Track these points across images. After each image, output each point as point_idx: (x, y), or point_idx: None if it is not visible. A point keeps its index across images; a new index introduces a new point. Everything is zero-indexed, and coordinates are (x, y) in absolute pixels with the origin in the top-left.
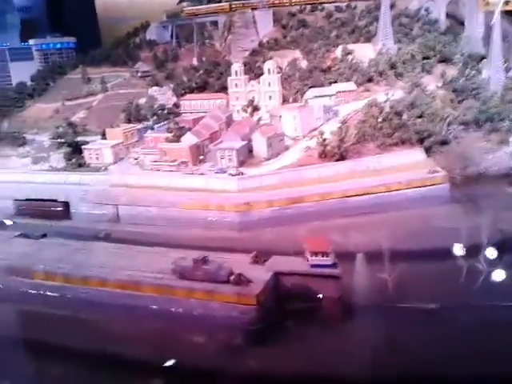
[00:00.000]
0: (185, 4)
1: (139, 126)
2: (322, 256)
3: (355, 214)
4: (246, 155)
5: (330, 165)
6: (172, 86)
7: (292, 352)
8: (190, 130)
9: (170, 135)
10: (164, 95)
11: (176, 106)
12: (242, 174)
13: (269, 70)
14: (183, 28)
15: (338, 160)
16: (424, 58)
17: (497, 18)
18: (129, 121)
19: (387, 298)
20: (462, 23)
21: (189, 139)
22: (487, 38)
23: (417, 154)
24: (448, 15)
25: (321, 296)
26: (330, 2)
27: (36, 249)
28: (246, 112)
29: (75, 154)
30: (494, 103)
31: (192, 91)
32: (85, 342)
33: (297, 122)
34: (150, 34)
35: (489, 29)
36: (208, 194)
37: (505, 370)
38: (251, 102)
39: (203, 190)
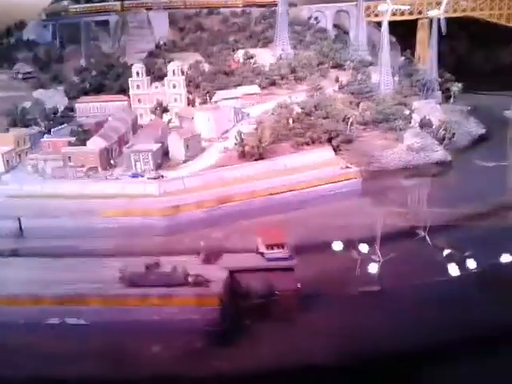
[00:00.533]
0: (65, 3)
1: (32, 130)
2: (278, 249)
3: (282, 210)
4: (162, 158)
5: (250, 164)
6: (60, 88)
7: (257, 348)
8: (93, 133)
9: (72, 139)
10: (52, 98)
11: (68, 109)
12: (163, 176)
13: (173, 71)
14: (66, 27)
15: (256, 160)
16: (319, 64)
17: (385, 27)
18: (14, 126)
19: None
20: (346, 32)
21: (96, 143)
22: (369, 46)
23: (326, 153)
24: (334, 25)
25: (279, 289)
26: (225, 7)
27: None
28: (155, 114)
29: None
30: (387, 104)
31: (86, 93)
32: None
33: (211, 124)
34: (29, 34)
35: (370, 37)
36: (128, 199)
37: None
38: (159, 103)
39: (121, 195)
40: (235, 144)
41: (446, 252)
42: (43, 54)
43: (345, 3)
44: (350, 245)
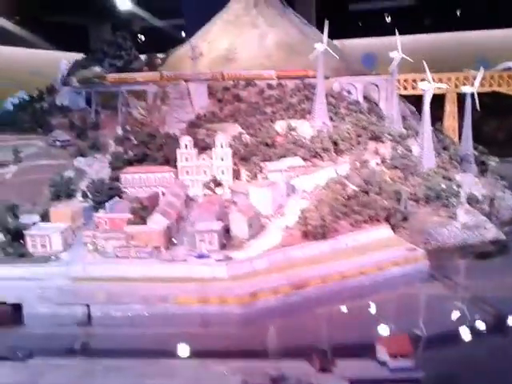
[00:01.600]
0: (98, 69)
1: (86, 204)
2: (402, 357)
3: (357, 295)
4: (224, 236)
5: (314, 244)
6: (98, 156)
7: None
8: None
9: (130, 216)
10: (91, 167)
11: (113, 179)
12: (230, 258)
13: (221, 144)
14: (101, 94)
15: (318, 239)
16: (357, 136)
17: (426, 104)
18: (57, 197)
19: None
20: (375, 103)
21: (158, 221)
22: (402, 119)
23: (386, 231)
24: (364, 97)
25: None
26: (261, 79)
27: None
28: (208, 188)
29: (14, 241)
30: (436, 180)
31: (130, 163)
32: None
33: (268, 200)
34: (62, 99)
35: (399, 110)
36: (198, 283)
37: None
38: (214, 178)
39: (189, 279)
40: (298, 223)
41: None
42: (79, 120)
43: (375, 77)
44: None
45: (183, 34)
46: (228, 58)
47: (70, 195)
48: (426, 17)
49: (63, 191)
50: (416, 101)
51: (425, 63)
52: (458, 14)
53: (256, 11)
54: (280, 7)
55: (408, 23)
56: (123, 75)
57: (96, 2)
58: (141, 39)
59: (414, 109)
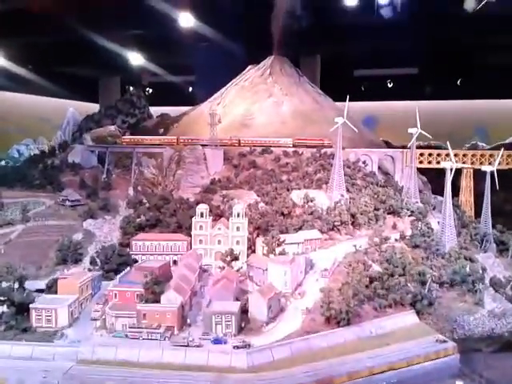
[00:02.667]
0: (113, 128)
1: (95, 274)
2: None
3: None
4: (241, 318)
5: (338, 332)
6: (107, 217)
7: None
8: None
9: (141, 290)
10: (101, 229)
11: (123, 245)
12: (249, 345)
13: (238, 213)
14: (115, 154)
15: (343, 325)
16: (374, 209)
17: (448, 181)
18: (64, 261)
19: None
20: (389, 174)
21: (172, 298)
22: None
23: (411, 317)
24: (378, 168)
25: None
26: (277, 146)
27: None
28: (225, 262)
29: (17, 314)
30: (462, 263)
31: (142, 228)
32: None
33: (287, 277)
34: (74, 157)
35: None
36: (216, 374)
37: None
38: (231, 250)
39: (205, 368)
40: (321, 306)
41: None
42: (90, 179)
43: (391, 149)
44: None
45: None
46: (243, 124)
47: (77, 260)
48: (427, 84)
49: (70, 256)
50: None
51: (448, 144)
52: (458, 83)
53: (272, 79)
54: (295, 76)
55: (409, 90)
56: (139, 137)
57: (107, 56)
58: (149, 92)
59: (425, 179)
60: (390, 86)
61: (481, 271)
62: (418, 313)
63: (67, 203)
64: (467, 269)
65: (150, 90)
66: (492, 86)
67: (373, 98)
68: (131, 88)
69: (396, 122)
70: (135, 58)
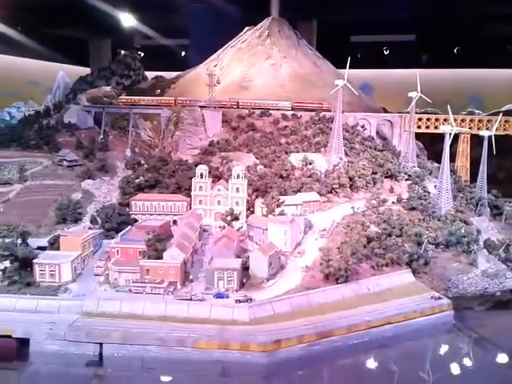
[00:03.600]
0: (108, 89)
1: (97, 232)
2: None
3: (382, 345)
4: (242, 275)
5: (336, 288)
6: (106, 178)
7: None
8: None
9: (144, 247)
10: (99, 189)
11: (122, 205)
12: (251, 299)
13: (238, 175)
14: (111, 115)
15: (340, 281)
16: (372, 173)
17: (446, 146)
18: (63, 221)
19: None
20: (385, 138)
21: (175, 255)
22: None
23: (407, 276)
24: (376, 133)
25: None
26: (276, 109)
27: None
28: (225, 221)
29: (21, 269)
30: (458, 226)
31: (141, 189)
32: None
33: (287, 237)
34: (70, 117)
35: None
36: (218, 326)
37: None
38: (232, 210)
39: (208, 321)
40: (320, 264)
41: None
42: (86, 140)
43: (389, 114)
44: None
45: (183, 53)
46: (241, 86)
47: (76, 219)
48: (423, 52)
49: (70, 215)
50: (420, 136)
51: (449, 107)
52: (455, 51)
53: (270, 41)
54: (294, 39)
55: (405, 58)
56: (136, 97)
57: (97, 18)
58: (141, 56)
59: (421, 145)
60: (386, 53)
61: (475, 233)
62: (413, 272)
63: (64, 163)
64: (462, 230)
65: (142, 54)
66: (487, 56)
67: (369, 65)
68: (122, 51)
69: (391, 89)
70: (127, 20)
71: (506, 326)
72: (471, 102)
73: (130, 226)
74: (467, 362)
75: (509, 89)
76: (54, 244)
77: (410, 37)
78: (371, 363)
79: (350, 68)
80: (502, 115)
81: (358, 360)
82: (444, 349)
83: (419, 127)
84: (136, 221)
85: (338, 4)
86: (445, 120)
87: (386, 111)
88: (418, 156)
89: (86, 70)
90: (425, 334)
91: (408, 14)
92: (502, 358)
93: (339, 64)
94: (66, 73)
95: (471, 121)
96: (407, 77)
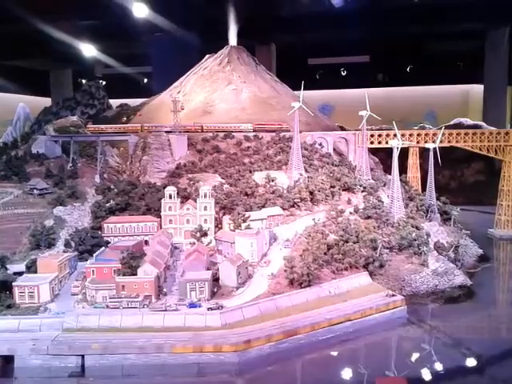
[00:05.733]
0: (75, 118)
1: (72, 254)
2: None
3: (343, 340)
4: (213, 285)
5: (300, 292)
6: (76, 204)
7: None
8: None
9: (119, 265)
10: (71, 215)
11: (94, 228)
12: (222, 307)
13: (205, 194)
14: (79, 143)
15: (303, 286)
16: (331, 187)
17: (395, 158)
18: (37, 246)
19: None
20: (341, 154)
21: (148, 270)
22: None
23: (365, 278)
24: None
25: None
26: (238, 131)
27: None
28: (195, 237)
29: (0, 292)
30: (409, 230)
31: (112, 212)
32: None
33: (253, 249)
34: (38, 148)
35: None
36: (192, 332)
37: None
38: (201, 227)
39: (183, 328)
40: (283, 270)
41: None
42: (56, 169)
43: (344, 132)
44: None
45: (145, 81)
46: (205, 111)
47: (50, 244)
48: (379, 72)
49: (44, 240)
50: (378, 151)
51: (394, 123)
52: (408, 70)
53: (230, 68)
54: (253, 65)
55: (362, 78)
56: (104, 126)
57: (58, 48)
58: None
59: (377, 159)
60: (343, 74)
61: (425, 236)
62: (370, 274)
63: (35, 192)
64: (413, 234)
65: (104, 82)
66: (440, 72)
67: (328, 86)
68: (84, 81)
69: (350, 108)
70: (87, 49)
71: (454, 317)
72: (426, 117)
73: (103, 248)
74: (421, 348)
75: (460, 103)
76: (31, 268)
77: (365, 57)
78: (334, 355)
79: (309, 89)
80: (452, 128)
81: (322, 353)
82: (400, 338)
83: (372, 143)
84: (109, 243)
85: (294, 28)
86: (394, 135)
87: (343, 129)
88: (372, 169)
89: (46, 100)
90: (381, 328)
91: (361, 36)
92: (450, 344)
93: (298, 86)
94: (26, 104)
95: (418, 135)
96: (364, 95)
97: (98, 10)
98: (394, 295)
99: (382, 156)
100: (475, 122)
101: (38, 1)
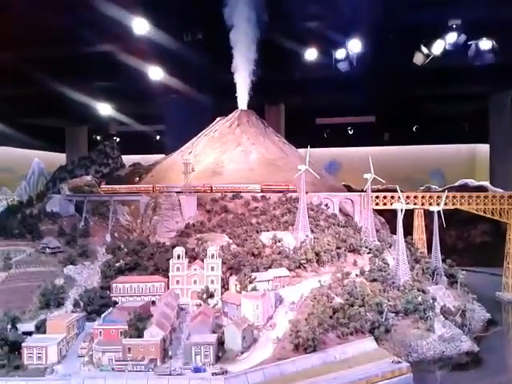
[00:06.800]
0: (89, 178)
1: (80, 314)
2: None
3: None
4: (218, 348)
5: (305, 357)
6: (86, 263)
7: None
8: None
9: (125, 327)
10: (81, 274)
11: (103, 288)
12: (227, 372)
13: (212, 254)
14: (92, 202)
15: (309, 351)
16: (337, 248)
17: (399, 221)
18: (46, 306)
19: None
20: (350, 217)
21: (155, 333)
22: (376, 231)
23: (370, 343)
24: (339, 210)
25: None
26: (247, 192)
27: None
28: (201, 299)
29: (10, 353)
30: (414, 294)
31: (121, 272)
32: None
33: (259, 311)
34: (52, 206)
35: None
36: None
37: None
38: (207, 288)
39: None
40: (288, 335)
41: None
42: (68, 227)
43: (350, 193)
44: None
45: (158, 138)
46: (215, 171)
47: (59, 304)
48: (385, 131)
49: (53, 300)
50: (385, 211)
51: (398, 188)
52: (414, 129)
53: (240, 130)
54: (261, 127)
55: (368, 137)
56: (117, 186)
57: (74, 107)
58: (117, 141)
59: (383, 220)
60: (350, 133)
61: (431, 300)
62: (376, 339)
63: (47, 250)
64: (419, 299)
65: (118, 139)
66: (445, 132)
67: (335, 144)
68: (98, 137)
69: (357, 166)
70: (103, 109)
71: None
72: (433, 176)
73: (111, 308)
74: None
75: (467, 162)
76: (40, 328)
77: (371, 117)
78: None
79: (318, 147)
80: (457, 189)
81: None
82: None
83: (377, 204)
84: (117, 303)
85: (303, 90)
86: (399, 197)
87: (349, 188)
88: (378, 230)
89: (61, 156)
90: None
91: (367, 97)
92: None
93: (307, 144)
94: (41, 159)
95: (423, 197)
96: (371, 154)
97: (114, 71)
98: (399, 362)
99: (389, 216)
100: (480, 183)
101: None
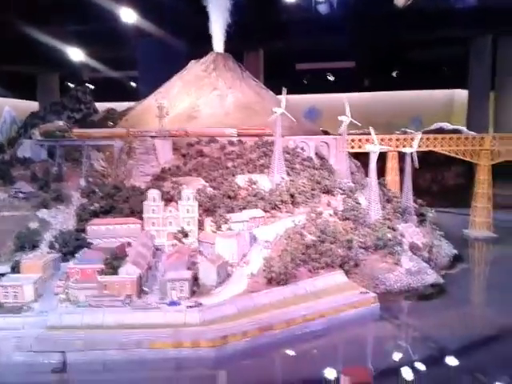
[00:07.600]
0: (61, 123)
1: (56, 255)
2: None
3: (318, 336)
4: (193, 284)
5: (278, 290)
6: (60, 207)
7: None
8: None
9: (102, 266)
10: (55, 218)
11: (78, 230)
12: (201, 304)
13: (188, 197)
14: (64, 147)
15: (281, 285)
16: (311, 190)
17: (373, 162)
18: (21, 248)
19: None
20: (326, 160)
21: (131, 271)
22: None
23: (340, 277)
24: (315, 153)
25: None
26: (223, 136)
27: None
28: (177, 239)
29: None
30: (384, 231)
31: (96, 215)
32: None
33: (233, 250)
34: (24, 152)
35: (348, 166)
36: (171, 329)
37: None
38: (183, 228)
39: (163, 325)
40: (262, 270)
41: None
42: (41, 172)
43: (326, 136)
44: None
45: (132, 84)
46: (190, 116)
47: (34, 246)
48: (365, 77)
49: (28, 242)
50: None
51: (371, 129)
52: (394, 75)
53: (216, 74)
54: (238, 71)
55: (349, 82)
56: (89, 130)
57: (45, 53)
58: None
59: (358, 163)
60: (330, 78)
61: (400, 237)
62: (346, 273)
63: (20, 195)
64: (389, 235)
65: (91, 86)
66: (425, 77)
67: (315, 90)
68: (71, 84)
69: (336, 112)
70: (75, 54)
71: (425, 313)
72: (413, 122)
73: (85, 248)
74: (390, 342)
75: (445, 108)
76: (16, 269)
77: (351, 63)
78: (308, 348)
79: (298, 93)
80: (433, 133)
81: (296, 347)
82: (371, 332)
83: (352, 147)
84: (92, 244)
85: (282, 34)
86: (373, 140)
87: (327, 133)
88: (353, 173)
89: (34, 104)
90: (354, 324)
91: (347, 42)
92: (419, 336)
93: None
94: (12, 107)
95: (397, 140)
96: (352, 100)
97: (85, 14)
98: (367, 292)
99: (365, 160)
100: (455, 127)
101: (25, 6)
